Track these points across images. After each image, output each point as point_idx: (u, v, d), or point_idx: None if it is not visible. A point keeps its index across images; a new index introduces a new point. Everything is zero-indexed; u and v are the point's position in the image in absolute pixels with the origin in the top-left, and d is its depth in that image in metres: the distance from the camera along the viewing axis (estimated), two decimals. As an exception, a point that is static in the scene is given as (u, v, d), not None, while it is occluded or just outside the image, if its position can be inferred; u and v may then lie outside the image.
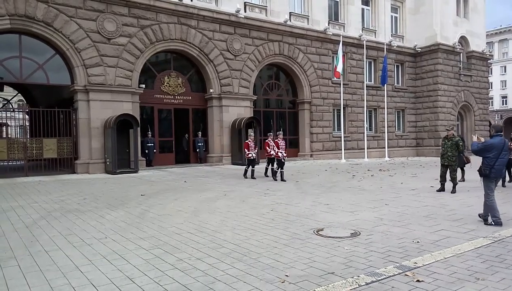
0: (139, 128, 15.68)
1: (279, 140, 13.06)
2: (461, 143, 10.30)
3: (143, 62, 16.66)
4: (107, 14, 15.50)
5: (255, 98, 20.13)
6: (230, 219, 6.86)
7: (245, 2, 19.41)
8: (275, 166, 12.99)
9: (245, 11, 19.25)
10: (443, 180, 10.11)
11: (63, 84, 15.69)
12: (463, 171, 12.41)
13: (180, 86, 18.34)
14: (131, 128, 15.31)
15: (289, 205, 8.18)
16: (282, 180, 12.45)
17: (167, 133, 18.44)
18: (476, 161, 11.07)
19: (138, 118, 15.83)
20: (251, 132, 15.88)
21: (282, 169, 12.78)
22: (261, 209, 7.75)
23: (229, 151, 18.95)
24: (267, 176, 13.66)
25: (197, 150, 18.87)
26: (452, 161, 10.04)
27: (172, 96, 18.13)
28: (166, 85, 17.93)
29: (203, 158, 19.02)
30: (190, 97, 18.80)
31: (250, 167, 13.44)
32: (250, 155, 13.51)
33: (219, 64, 18.55)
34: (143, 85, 16.84)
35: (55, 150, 15.04)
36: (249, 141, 13.85)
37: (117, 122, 14.65)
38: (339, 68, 20.71)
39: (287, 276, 4.07)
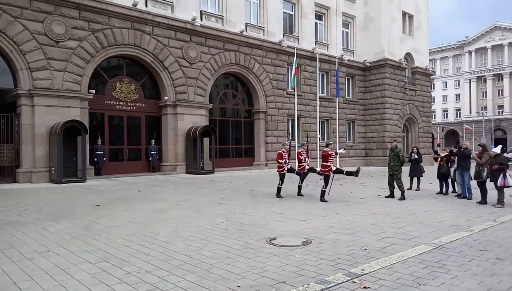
0: (87, 136, 15.02)
1: (328, 151, 10.54)
2: (401, 155, 10.93)
3: (93, 67, 16.07)
4: (56, 16, 14.83)
5: (211, 106, 20.06)
6: (182, 230, 6.73)
7: (201, 11, 19.38)
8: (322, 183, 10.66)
9: (201, 20, 19.22)
10: (391, 187, 10.83)
11: (5, 88, 14.73)
12: (419, 180, 13.09)
13: (133, 93, 17.86)
14: (79, 135, 14.65)
15: (243, 214, 8.19)
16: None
17: (119, 141, 17.84)
18: (430, 171, 11.70)
19: (87, 125, 15.17)
20: (286, 140, 11.96)
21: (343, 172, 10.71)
22: (215, 219, 7.69)
23: (184, 160, 18.66)
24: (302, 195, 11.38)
25: (150, 158, 18.38)
26: (395, 170, 10.73)
27: (124, 103, 17.60)
28: (118, 91, 17.39)
29: (156, 166, 18.57)
30: (144, 104, 18.36)
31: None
32: (283, 169, 11.00)
33: (174, 71, 18.31)
34: (93, 91, 16.19)
35: (-6, 157, 14.04)
36: (282, 151, 11.09)
37: (63, 128, 13.96)
38: (292, 84, 21.28)
39: (239, 286, 4.05)
